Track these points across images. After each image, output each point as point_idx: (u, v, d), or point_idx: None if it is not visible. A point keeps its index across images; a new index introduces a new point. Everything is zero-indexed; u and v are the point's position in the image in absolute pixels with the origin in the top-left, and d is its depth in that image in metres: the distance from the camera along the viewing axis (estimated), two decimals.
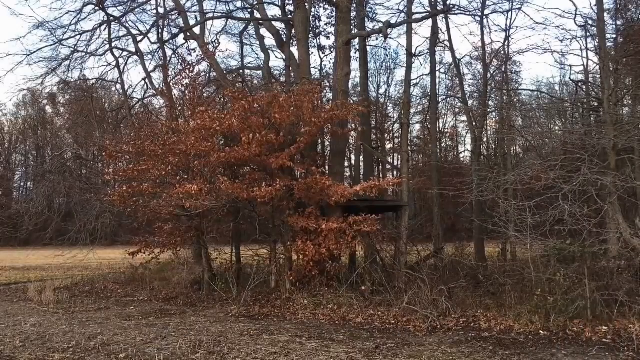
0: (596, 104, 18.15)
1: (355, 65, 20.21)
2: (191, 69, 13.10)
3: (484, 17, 18.59)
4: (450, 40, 20.51)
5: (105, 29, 18.05)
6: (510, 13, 18.80)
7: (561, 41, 32.45)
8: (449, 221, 22.10)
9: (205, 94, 18.11)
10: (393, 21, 16.76)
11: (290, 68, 16.03)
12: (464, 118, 29.67)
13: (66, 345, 7.07)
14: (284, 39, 16.35)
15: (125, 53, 19.18)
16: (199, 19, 17.34)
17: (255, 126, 11.34)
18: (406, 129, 16.59)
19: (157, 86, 18.34)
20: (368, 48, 17.29)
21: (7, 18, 74.63)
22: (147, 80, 18.86)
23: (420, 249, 13.95)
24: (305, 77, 13.55)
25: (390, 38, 16.28)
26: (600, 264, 9.82)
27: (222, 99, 18.04)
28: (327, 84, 16.80)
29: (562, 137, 18.64)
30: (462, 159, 29.84)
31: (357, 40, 17.66)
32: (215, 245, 13.09)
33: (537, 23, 22.02)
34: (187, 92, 13.40)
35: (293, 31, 15.83)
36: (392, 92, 35.06)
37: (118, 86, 22.29)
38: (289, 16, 16.38)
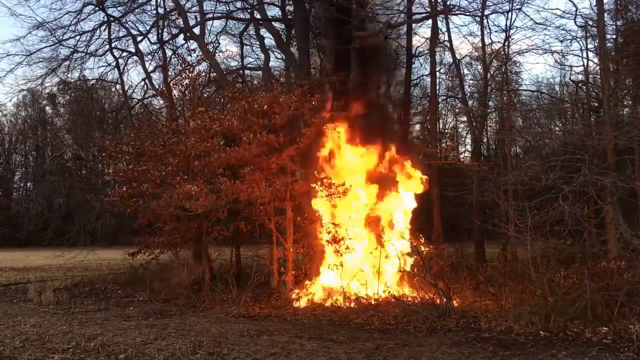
0: (596, 104, 18.17)
1: (355, 65, 20.18)
2: (191, 70, 13.08)
3: (484, 17, 18.57)
4: (450, 41, 20.45)
5: (105, 29, 18.02)
6: (510, 13, 18.78)
7: (561, 41, 32.27)
8: (449, 222, 22.09)
9: (205, 94, 18.14)
10: (393, 21, 16.77)
11: (290, 68, 16.02)
12: (464, 118, 29.65)
13: (66, 346, 7.06)
14: (284, 40, 16.34)
15: (125, 53, 19.16)
16: (198, 19, 17.32)
17: (255, 126, 11.34)
18: (406, 129, 16.59)
19: (157, 86, 18.31)
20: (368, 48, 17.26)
21: (6, 18, 74.65)
22: (147, 81, 18.85)
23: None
24: (305, 77, 13.55)
25: (390, 38, 16.24)
26: (600, 265, 9.82)
27: (222, 99, 18.03)
28: (327, 85, 16.78)
29: (562, 138, 18.69)
30: (462, 160, 29.79)
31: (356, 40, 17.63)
32: (215, 245, 13.06)
33: (537, 23, 21.94)
34: (187, 92, 13.40)
35: (293, 31, 15.83)
36: (392, 92, 35.00)
37: (118, 86, 22.26)
38: (289, 16, 16.38)
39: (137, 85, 39.51)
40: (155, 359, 6.42)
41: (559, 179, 9.83)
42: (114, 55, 18.70)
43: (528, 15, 37.04)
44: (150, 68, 18.99)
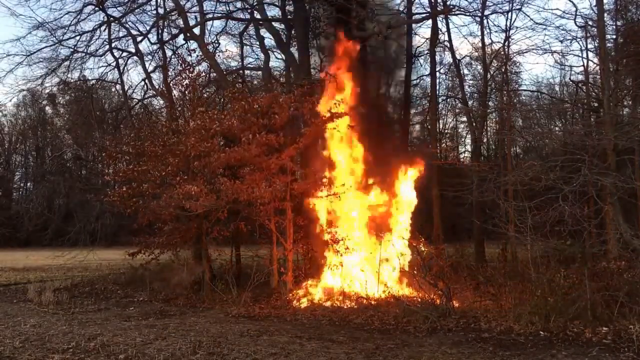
0: (596, 104, 18.18)
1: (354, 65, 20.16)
2: (191, 70, 13.08)
3: (484, 17, 18.60)
4: (450, 41, 20.51)
5: (105, 29, 18.01)
6: (510, 13, 18.82)
7: (561, 42, 32.41)
8: (449, 222, 22.10)
9: (205, 95, 18.12)
10: (393, 22, 16.75)
11: (290, 69, 16.02)
12: (464, 119, 29.66)
13: (66, 346, 7.07)
14: (284, 40, 16.33)
15: (125, 54, 19.14)
16: (198, 19, 17.32)
17: (255, 127, 11.34)
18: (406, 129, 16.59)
19: (157, 87, 18.31)
20: (368, 48, 17.27)
21: (6, 18, 74.63)
22: (147, 81, 18.83)
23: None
24: (305, 77, 13.54)
25: (390, 39, 16.25)
26: (600, 265, 9.82)
27: (222, 100, 18.03)
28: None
29: (562, 138, 18.66)
30: (462, 160, 29.81)
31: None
32: (215, 245, 13.06)
33: (537, 23, 21.99)
34: (187, 92, 13.40)
35: (293, 32, 15.83)
36: (392, 93, 34.96)
37: (118, 87, 22.26)
38: (289, 17, 16.37)
39: (137, 85, 39.53)
40: (155, 359, 6.42)
41: (559, 179, 9.82)
42: (114, 56, 18.71)
43: (528, 16, 37.10)
44: (150, 68, 19.01)
